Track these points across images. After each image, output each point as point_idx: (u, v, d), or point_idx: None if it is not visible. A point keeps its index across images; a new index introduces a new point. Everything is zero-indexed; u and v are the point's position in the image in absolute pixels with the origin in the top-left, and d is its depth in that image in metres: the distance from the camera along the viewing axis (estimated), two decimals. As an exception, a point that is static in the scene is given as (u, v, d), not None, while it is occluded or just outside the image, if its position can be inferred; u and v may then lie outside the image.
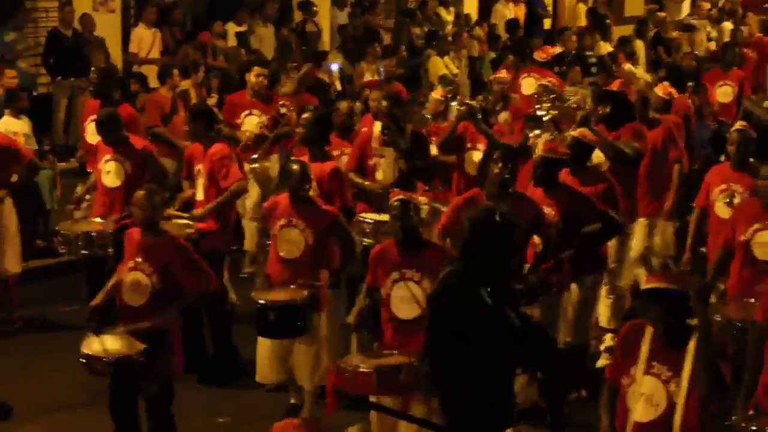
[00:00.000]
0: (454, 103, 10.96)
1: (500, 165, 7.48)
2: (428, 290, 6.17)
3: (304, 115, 9.30)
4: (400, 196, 6.74)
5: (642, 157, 9.17)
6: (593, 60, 16.19)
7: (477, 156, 9.38)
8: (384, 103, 9.77)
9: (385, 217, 8.14)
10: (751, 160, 8.45)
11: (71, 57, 14.17)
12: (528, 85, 13.03)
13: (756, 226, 7.44)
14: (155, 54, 15.10)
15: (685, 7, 22.53)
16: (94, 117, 10.33)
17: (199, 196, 8.84)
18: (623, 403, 5.16)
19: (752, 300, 7.15)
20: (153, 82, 13.41)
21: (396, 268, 6.58)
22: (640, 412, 5.07)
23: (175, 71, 12.59)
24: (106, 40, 14.81)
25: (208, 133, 9.03)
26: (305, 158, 8.50)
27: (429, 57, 16.10)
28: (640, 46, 16.33)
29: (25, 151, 9.83)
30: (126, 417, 6.89)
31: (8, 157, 9.51)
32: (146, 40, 15.15)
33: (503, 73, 12.18)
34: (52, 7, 14.97)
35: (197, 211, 8.56)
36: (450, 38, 16.96)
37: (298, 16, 17.92)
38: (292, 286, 7.40)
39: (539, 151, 8.25)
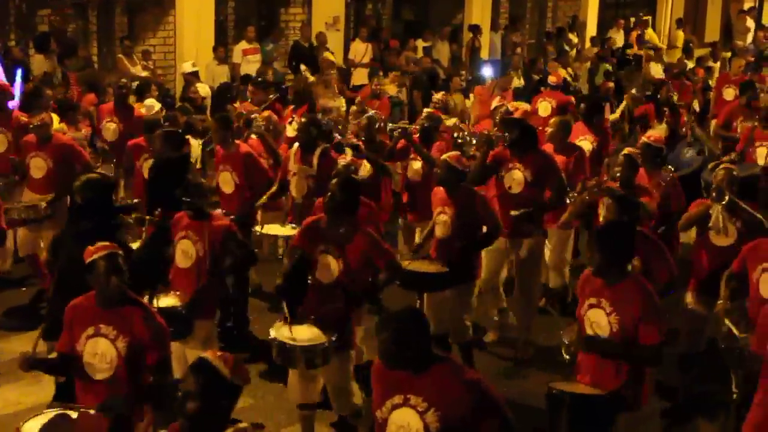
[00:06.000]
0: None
1: (336, 190, 6.56)
2: (122, 349, 5.40)
3: (301, 120, 9.18)
4: (108, 252, 5.48)
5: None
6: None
7: (416, 164, 9.36)
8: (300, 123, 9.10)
9: (288, 231, 8.11)
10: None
11: (308, 60, 15.95)
12: (543, 108, 12.75)
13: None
14: (366, 60, 17.15)
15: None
16: (110, 119, 10.86)
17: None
18: None
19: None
20: (364, 80, 15.78)
21: (92, 324, 5.50)
22: None
23: (381, 72, 14.98)
24: (333, 50, 16.66)
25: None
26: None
27: (555, 68, 15.83)
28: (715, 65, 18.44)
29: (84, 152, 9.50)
30: None
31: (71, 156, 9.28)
32: (360, 50, 17.21)
33: (439, 95, 12.08)
34: (297, 27, 17.45)
35: None
36: (574, 53, 18.62)
37: (467, 35, 19.55)
38: (177, 293, 6.84)
39: (444, 156, 7.97)
